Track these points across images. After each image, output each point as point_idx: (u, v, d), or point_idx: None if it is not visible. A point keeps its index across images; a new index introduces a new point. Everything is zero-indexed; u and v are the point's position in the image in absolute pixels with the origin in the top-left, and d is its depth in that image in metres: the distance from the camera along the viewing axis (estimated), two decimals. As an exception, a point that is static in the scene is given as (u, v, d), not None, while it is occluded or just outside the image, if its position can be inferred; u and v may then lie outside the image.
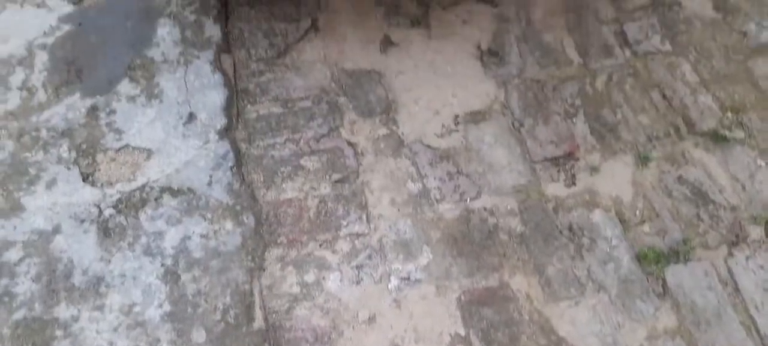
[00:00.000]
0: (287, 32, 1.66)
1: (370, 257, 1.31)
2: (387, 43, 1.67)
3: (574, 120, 1.54)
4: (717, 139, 1.49)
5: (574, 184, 1.45)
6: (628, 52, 1.66)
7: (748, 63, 1.64)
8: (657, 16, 1.73)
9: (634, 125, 1.53)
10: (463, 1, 1.76)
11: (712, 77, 1.61)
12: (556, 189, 1.43)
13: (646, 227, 1.38)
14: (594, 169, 1.46)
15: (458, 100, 1.57)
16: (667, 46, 1.67)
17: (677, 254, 1.33)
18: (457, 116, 1.54)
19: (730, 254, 1.33)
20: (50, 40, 1.56)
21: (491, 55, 1.66)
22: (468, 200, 1.41)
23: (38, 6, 1.62)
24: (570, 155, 1.49)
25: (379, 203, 1.39)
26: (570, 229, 1.37)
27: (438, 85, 1.59)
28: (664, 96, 1.58)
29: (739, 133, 1.51)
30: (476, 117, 1.54)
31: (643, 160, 1.47)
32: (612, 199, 1.41)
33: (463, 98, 1.57)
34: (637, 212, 1.40)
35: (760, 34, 1.70)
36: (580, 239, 1.36)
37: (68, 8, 1.62)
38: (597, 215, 1.39)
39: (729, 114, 1.54)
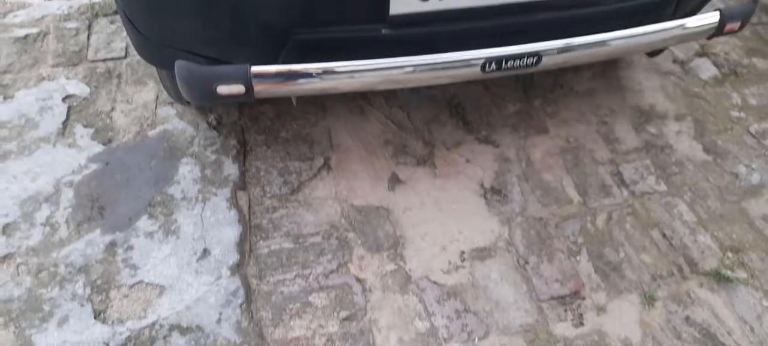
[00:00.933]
0: (301, 170, 1.76)
1: (377, 401, 1.29)
2: (395, 181, 1.76)
3: (577, 258, 1.58)
4: (720, 279, 1.51)
5: (582, 324, 1.44)
6: (625, 192, 1.74)
7: (742, 204, 1.70)
8: (650, 158, 1.83)
9: (638, 264, 1.56)
10: (466, 142, 1.87)
11: (709, 217, 1.67)
12: (564, 329, 1.43)
13: (658, 371, 1.36)
14: (600, 309, 1.47)
15: (464, 236, 1.62)
16: (663, 187, 1.75)
17: (693, 402, 1.29)
18: (463, 253, 1.58)
19: (748, 403, 1.30)
20: (77, 178, 1.65)
21: (494, 193, 1.74)
22: (476, 340, 1.40)
23: (70, 146, 1.73)
24: (576, 294, 1.50)
25: (386, 343, 1.39)
26: (581, 373, 1.35)
27: (444, 222, 1.65)
28: (664, 235, 1.62)
29: (742, 274, 1.53)
30: (482, 254, 1.58)
31: (648, 300, 1.48)
32: (621, 340, 1.41)
33: (469, 235, 1.62)
34: (648, 355, 1.38)
35: (750, 176, 1.78)
36: (591, 383, 1.33)
37: (98, 148, 1.73)
38: (607, 358, 1.37)
39: (729, 254, 1.57)
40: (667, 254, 1.58)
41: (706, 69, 2.16)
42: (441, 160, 1.81)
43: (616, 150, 1.86)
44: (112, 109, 1.86)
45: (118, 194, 1.62)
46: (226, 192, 1.66)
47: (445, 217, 1.66)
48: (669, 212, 1.68)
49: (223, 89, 1.22)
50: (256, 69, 1.22)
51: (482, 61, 1.32)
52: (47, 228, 1.53)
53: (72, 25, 2.12)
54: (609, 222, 1.66)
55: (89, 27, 2.13)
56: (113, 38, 2.09)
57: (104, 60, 2.01)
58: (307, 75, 1.27)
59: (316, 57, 1.29)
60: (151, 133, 1.79)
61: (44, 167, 1.67)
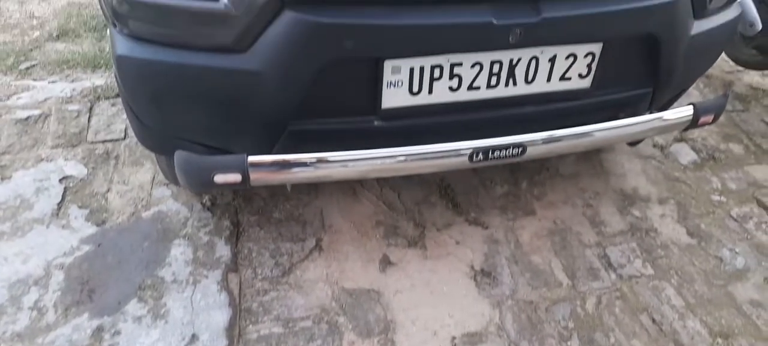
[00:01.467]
0: (292, 252, 1.77)
1: None
2: (386, 263, 1.77)
3: (568, 343, 1.57)
4: (711, 366, 1.51)
5: (575, 414, 1.42)
6: (613, 275, 1.76)
7: (729, 288, 1.73)
8: (636, 241, 1.87)
9: (629, 350, 1.56)
10: (456, 223, 1.91)
11: (697, 302, 1.68)
12: (557, 420, 1.40)
13: None
14: (594, 398, 1.45)
15: (454, 320, 1.61)
16: (650, 270, 1.77)
17: None
18: (454, 338, 1.57)
19: None
20: (69, 260, 1.65)
21: (484, 276, 1.75)
22: None
23: (63, 227, 1.74)
24: (568, 382, 1.49)
25: None
26: None
27: (434, 305, 1.65)
28: (653, 320, 1.63)
29: (733, 361, 1.53)
30: (473, 339, 1.57)
31: (641, 388, 1.47)
32: None
33: (460, 319, 1.62)
34: None
35: (734, 260, 1.81)
36: None
37: (91, 229, 1.74)
38: None
39: (719, 340, 1.58)
40: (657, 339, 1.58)
41: (686, 154, 2.24)
42: (431, 242, 1.83)
43: (602, 233, 1.89)
44: (108, 190, 1.88)
45: (109, 276, 1.62)
46: (218, 274, 1.66)
47: (436, 300, 1.66)
48: (657, 296, 1.70)
49: (220, 178, 1.26)
50: (252, 159, 1.27)
51: (470, 151, 1.38)
52: (34, 312, 1.51)
53: (74, 107, 2.19)
54: (598, 306, 1.67)
55: (90, 109, 2.20)
56: (113, 120, 2.15)
57: (103, 141, 2.06)
58: (301, 164, 1.31)
59: (311, 146, 1.34)
60: (146, 214, 1.81)
61: (36, 249, 1.67)
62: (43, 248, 1.67)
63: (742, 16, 1.72)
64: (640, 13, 1.37)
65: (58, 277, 1.60)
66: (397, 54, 1.28)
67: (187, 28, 1.21)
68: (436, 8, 1.24)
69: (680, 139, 2.30)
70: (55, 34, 2.79)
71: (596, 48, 1.42)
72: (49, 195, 1.84)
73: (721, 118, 2.21)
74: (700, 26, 1.50)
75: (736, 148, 2.31)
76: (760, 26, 2.23)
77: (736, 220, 1.97)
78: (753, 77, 2.80)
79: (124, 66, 1.28)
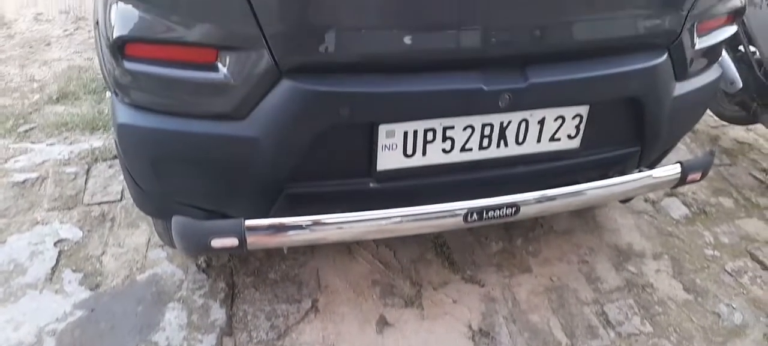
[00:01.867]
0: (288, 313, 1.75)
1: None
2: (383, 323, 1.75)
3: (570, 406, 1.54)
4: None
5: None
6: (612, 333, 1.74)
7: (728, 345, 1.71)
8: (633, 298, 1.86)
9: (631, 412, 1.53)
10: (452, 282, 1.90)
11: (697, 360, 1.67)
12: None
13: None
14: None
15: (453, 383, 1.59)
16: (648, 328, 1.76)
17: None
18: (453, 402, 1.54)
19: None
20: (61, 326, 1.62)
21: (483, 336, 1.73)
22: None
23: (56, 292, 1.73)
24: None
25: None
26: None
27: (433, 368, 1.62)
28: (654, 380, 1.61)
29: (737, 422, 1.50)
30: (472, 402, 1.54)
31: None
32: None
33: (459, 381, 1.59)
34: None
35: (732, 316, 1.81)
36: None
37: (85, 294, 1.73)
38: None
39: (721, 400, 1.56)
40: (660, 400, 1.56)
41: (677, 208, 2.27)
42: (428, 301, 1.82)
43: (598, 289, 1.89)
44: (103, 252, 1.88)
45: (102, 342, 1.59)
46: (212, 339, 1.64)
47: (434, 362, 1.64)
48: (657, 355, 1.68)
49: (217, 243, 1.26)
50: (249, 223, 1.28)
51: (464, 212, 1.40)
52: (23, 382, 1.48)
53: (71, 169, 2.21)
54: (598, 366, 1.65)
55: (88, 171, 2.22)
56: (110, 182, 2.17)
57: (99, 203, 2.07)
58: (297, 227, 1.32)
59: (308, 208, 1.36)
60: (140, 277, 1.80)
61: (28, 315, 1.64)
62: (35, 313, 1.65)
63: (722, 76, 1.78)
64: (623, 77, 1.42)
65: (50, 344, 1.57)
66: (392, 119, 1.32)
67: (188, 98, 1.25)
68: (429, 76, 1.29)
69: (671, 194, 2.34)
70: (54, 97, 2.84)
71: (583, 110, 1.47)
72: (43, 259, 1.83)
73: (710, 172, 2.25)
74: (682, 88, 1.56)
75: (726, 202, 2.34)
76: (740, 85, 2.31)
77: (730, 274, 1.98)
78: (738, 132, 2.87)
79: (124, 134, 1.30)
